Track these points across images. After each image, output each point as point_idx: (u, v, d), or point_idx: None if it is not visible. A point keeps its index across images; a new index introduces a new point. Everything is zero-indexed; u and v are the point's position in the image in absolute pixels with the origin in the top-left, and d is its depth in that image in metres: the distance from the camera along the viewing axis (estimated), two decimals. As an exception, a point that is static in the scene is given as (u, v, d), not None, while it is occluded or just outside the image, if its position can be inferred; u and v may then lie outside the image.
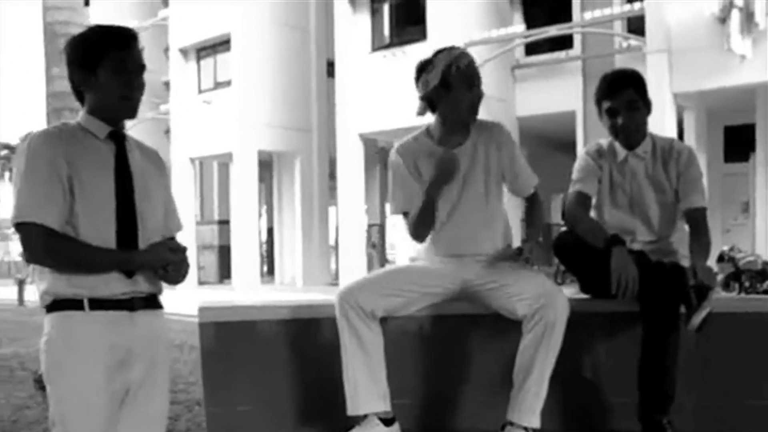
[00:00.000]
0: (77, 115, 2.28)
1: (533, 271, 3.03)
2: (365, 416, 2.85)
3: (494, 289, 2.95)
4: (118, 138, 2.24)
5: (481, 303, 3.03)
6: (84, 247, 2.13)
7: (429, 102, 3.04)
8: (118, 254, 2.18)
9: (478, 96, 3.00)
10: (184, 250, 2.26)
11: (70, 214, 2.12)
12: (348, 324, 2.86)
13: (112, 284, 2.16)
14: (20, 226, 2.12)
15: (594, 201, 3.26)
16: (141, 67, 2.24)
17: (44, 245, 2.11)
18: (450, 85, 2.96)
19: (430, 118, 3.13)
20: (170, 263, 2.21)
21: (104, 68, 2.17)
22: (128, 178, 2.21)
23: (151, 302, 2.27)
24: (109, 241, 2.16)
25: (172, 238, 2.37)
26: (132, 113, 2.24)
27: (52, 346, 2.14)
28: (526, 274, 2.96)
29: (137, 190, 2.22)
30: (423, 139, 3.12)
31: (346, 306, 2.87)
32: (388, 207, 21.50)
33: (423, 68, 3.03)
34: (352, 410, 2.87)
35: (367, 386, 2.85)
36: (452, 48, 3.04)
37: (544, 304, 2.78)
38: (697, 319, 2.78)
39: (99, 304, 2.14)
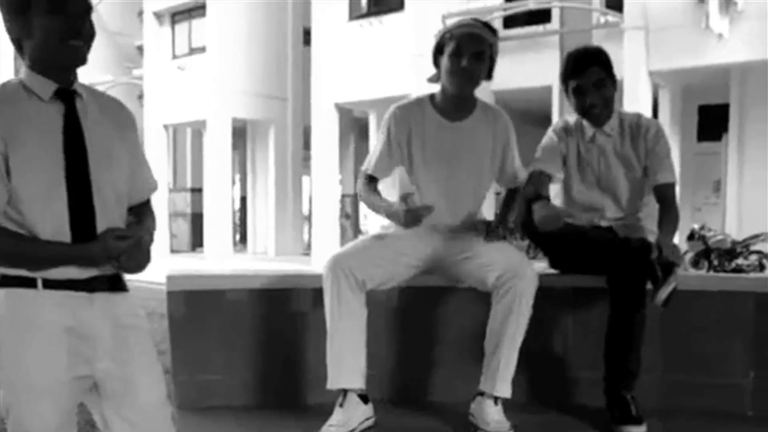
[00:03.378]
0: None
1: (502, 242, 3.02)
2: (344, 393, 2.81)
3: (465, 259, 2.94)
4: (67, 96, 1.91)
5: (452, 275, 3.04)
6: (29, 243, 1.84)
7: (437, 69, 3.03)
8: (68, 249, 1.88)
9: (465, 68, 2.92)
10: (135, 237, 1.94)
11: (12, 197, 1.82)
12: (338, 292, 2.80)
13: (70, 269, 1.89)
14: None
15: (562, 178, 3.26)
16: (87, 8, 1.90)
17: None
18: (443, 51, 2.96)
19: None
20: (121, 253, 1.91)
21: (38, 8, 1.84)
22: (80, 146, 1.89)
23: (114, 283, 1.98)
24: (62, 225, 1.87)
25: (148, 201, 2.12)
26: (76, 60, 1.90)
27: None
28: (495, 245, 2.95)
29: (92, 158, 1.90)
30: (426, 104, 3.08)
31: (339, 273, 2.80)
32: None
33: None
34: (332, 383, 2.82)
35: (350, 360, 2.82)
36: (465, 19, 3.03)
37: (513, 274, 2.79)
38: (663, 293, 2.79)
39: (54, 283, 1.87)
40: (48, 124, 1.87)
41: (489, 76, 3.03)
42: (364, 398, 2.84)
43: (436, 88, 3.09)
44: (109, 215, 1.94)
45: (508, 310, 2.79)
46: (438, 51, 2.99)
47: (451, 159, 3.02)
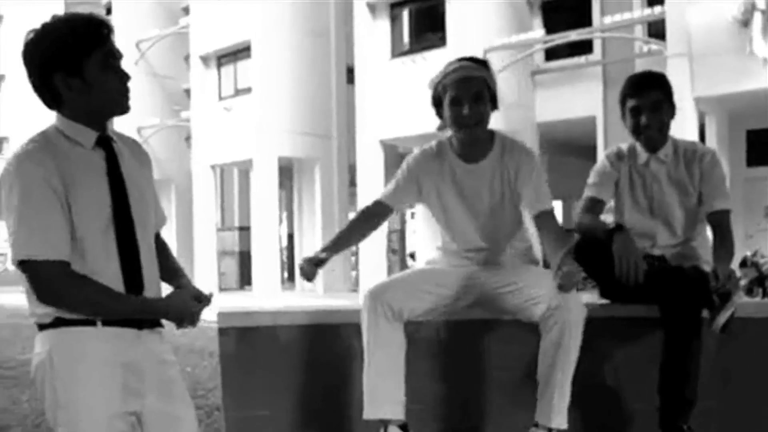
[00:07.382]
0: None
1: (545, 273, 2.97)
2: (384, 426, 2.82)
3: (509, 293, 2.94)
4: (107, 142, 2.04)
5: (496, 307, 3.02)
6: (104, 292, 1.94)
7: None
8: (140, 303, 2.03)
9: (468, 115, 2.88)
10: (208, 300, 2.11)
11: (72, 239, 1.92)
12: (375, 322, 2.82)
13: None
14: (27, 264, 1.88)
15: (613, 204, 3.24)
16: (122, 56, 2.04)
17: (60, 285, 1.91)
18: (440, 101, 2.96)
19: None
20: (194, 314, 2.06)
21: (93, 66, 1.95)
22: (122, 188, 2.02)
23: (155, 321, 2.10)
24: (112, 262, 1.98)
25: (158, 234, 2.24)
26: (127, 110, 2.04)
27: (57, 366, 1.92)
28: (539, 277, 2.93)
29: (132, 197, 2.04)
30: (445, 148, 3.08)
31: (375, 303, 2.83)
32: (408, 213, 21.54)
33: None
34: (369, 414, 2.82)
35: (386, 390, 2.82)
36: (451, 63, 2.97)
37: (557, 305, 2.76)
38: (722, 319, 2.75)
39: (110, 322, 1.98)
40: (95, 170, 2.00)
41: (494, 106, 2.96)
42: (404, 428, 2.83)
43: None
44: (148, 249, 2.10)
45: (558, 342, 2.76)
46: (436, 103, 2.99)
47: (474, 200, 3.02)
